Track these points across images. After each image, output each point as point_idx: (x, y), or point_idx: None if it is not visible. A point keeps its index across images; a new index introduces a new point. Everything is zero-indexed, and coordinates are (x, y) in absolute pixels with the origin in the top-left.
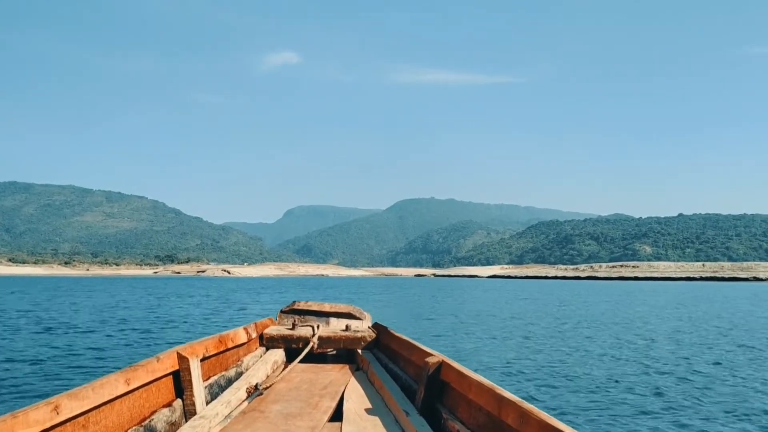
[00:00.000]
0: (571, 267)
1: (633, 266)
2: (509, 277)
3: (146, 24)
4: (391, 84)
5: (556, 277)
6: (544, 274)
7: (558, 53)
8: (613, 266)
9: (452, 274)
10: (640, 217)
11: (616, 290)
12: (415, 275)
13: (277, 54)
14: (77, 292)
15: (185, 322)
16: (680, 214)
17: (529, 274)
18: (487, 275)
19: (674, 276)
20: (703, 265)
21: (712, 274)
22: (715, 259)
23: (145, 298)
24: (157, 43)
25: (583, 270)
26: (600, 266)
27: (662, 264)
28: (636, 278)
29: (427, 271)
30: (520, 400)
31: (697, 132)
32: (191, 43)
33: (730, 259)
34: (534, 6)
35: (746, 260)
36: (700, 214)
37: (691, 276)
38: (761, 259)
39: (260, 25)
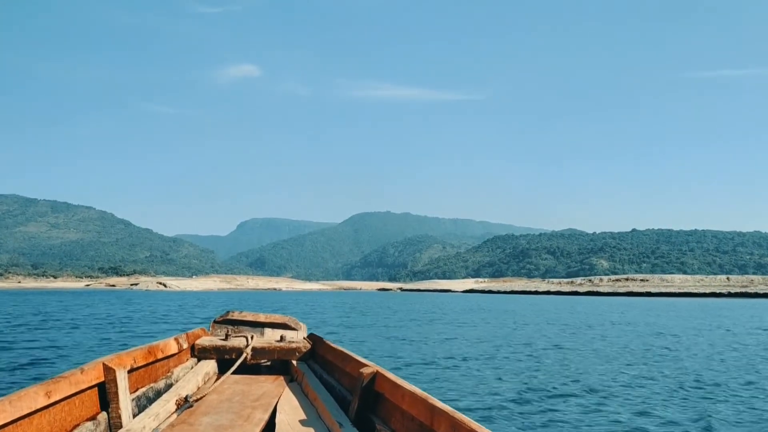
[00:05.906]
0: (566, 281)
1: (641, 279)
2: (490, 291)
3: (98, 33)
4: (348, 98)
5: (548, 292)
6: (533, 289)
7: (514, 72)
8: (618, 279)
9: (421, 288)
10: (594, 232)
11: (667, 308)
12: (379, 289)
13: (238, 67)
14: None
15: None
16: (634, 230)
17: (515, 288)
18: (462, 289)
19: (695, 291)
20: (728, 278)
21: (742, 289)
22: (671, 273)
23: None
24: (110, 53)
25: (581, 284)
26: (601, 279)
27: (677, 277)
28: (649, 294)
29: (392, 285)
30: (452, 410)
31: (647, 150)
32: (147, 53)
33: (685, 273)
34: (490, 27)
35: (700, 274)
36: (653, 229)
37: (717, 291)
38: (714, 274)
39: (222, 38)
